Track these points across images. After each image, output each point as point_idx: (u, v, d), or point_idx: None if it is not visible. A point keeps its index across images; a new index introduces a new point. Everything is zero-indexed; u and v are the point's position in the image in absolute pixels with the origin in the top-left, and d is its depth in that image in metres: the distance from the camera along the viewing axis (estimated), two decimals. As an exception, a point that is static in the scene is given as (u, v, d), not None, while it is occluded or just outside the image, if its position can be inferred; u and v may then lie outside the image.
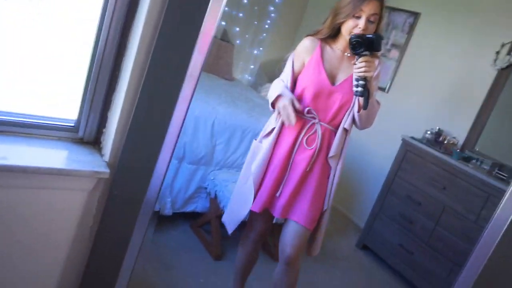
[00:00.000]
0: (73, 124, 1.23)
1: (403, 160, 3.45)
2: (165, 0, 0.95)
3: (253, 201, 1.94)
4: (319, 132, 1.90)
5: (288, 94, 1.86)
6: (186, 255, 2.67)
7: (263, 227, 2.08)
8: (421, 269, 3.20)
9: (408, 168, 3.41)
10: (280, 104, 1.85)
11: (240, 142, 2.91)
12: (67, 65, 1.14)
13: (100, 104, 1.15)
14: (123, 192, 1.09)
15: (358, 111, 1.87)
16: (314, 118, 1.90)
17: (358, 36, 1.75)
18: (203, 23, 0.90)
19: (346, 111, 1.91)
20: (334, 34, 1.94)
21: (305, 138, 1.91)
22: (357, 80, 1.78)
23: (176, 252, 2.65)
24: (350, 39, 1.76)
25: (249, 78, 5.14)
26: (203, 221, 2.90)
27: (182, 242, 2.77)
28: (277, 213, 1.93)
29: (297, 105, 1.83)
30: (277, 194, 1.93)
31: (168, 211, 2.73)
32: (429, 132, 3.48)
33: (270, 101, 1.91)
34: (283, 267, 1.95)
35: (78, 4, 1.09)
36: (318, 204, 1.95)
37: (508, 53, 3.19)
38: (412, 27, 3.99)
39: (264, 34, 5.04)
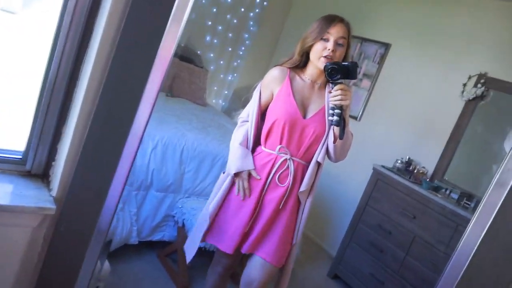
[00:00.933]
0: (20, 156, 1.15)
1: (374, 189, 3.46)
2: (119, 27, 0.91)
3: (222, 240, 1.88)
4: (292, 168, 1.84)
5: (248, 164, 1.84)
6: (152, 286, 2.57)
7: (231, 261, 2.02)
8: (392, 299, 3.16)
9: (379, 197, 3.42)
10: (238, 178, 1.86)
11: (210, 169, 2.86)
12: (16, 93, 1.08)
13: (50, 136, 1.07)
14: (70, 229, 1.02)
15: (334, 142, 1.81)
16: (286, 154, 1.85)
17: (334, 63, 1.72)
18: (160, 48, 0.86)
19: (319, 144, 1.85)
20: (303, 63, 1.90)
21: (277, 175, 1.85)
22: (332, 109, 1.74)
23: (140, 282, 2.55)
24: (325, 66, 1.72)
25: (223, 103, 5.12)
26: (170, 250, 2.81)
27: (147, 272, 2.67)
28: (245, 249, 1.87)
29: (257, 177, 1.84)
30: (246, 230, 1.86)
31: (134, 239, 2.64)
32: (399, 161, 3.51)
33: (230, 170, 1.87)
34: None
35: (29, 30, 1.04)
36: (287, 239, 1.89)
37: (475, 86, 3.27)
38: (383, 58, 4.07)
39: (239, 61, 5.06)
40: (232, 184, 1.91)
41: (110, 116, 0.90)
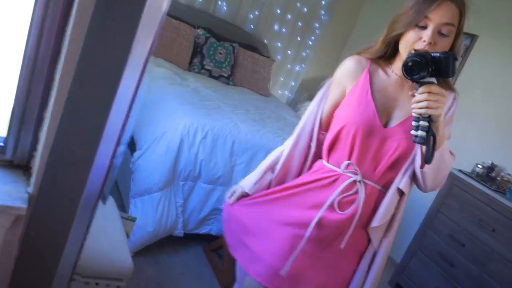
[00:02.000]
0: (1, 144, 1.00)
1: (448, 195, 3.09)
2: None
3: (253, 260, 1.41)
4: (362, 194, 1.33)
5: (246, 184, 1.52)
6: (193, 281, 2.45)
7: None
8: (461, 321, 2.81)
9: (453, 204, 3.05)
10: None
11: (262, 163, 2.69)
12: None
13: (33, 120, 0.92)
14: (42, 233, 0.88)
15: (421, 167, 1.30)
16: (356, 174, 1.35)
17: (417, 54, 1.20)
18: (146, 6, 0.68)
19: (404, 165, 1.34)
20: (390, 53, 1.39)
21: (337, 199, 1.34)
22: (417, 120, 1.20)
23: (182, 278, 2.45)
24: (406, 59, 1.21)
25: (289, 95, 4.93)
26: (216, 245, 2.69)
27: (191, 267, 2.56)
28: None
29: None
30: (283, 273, 1.34)
31: (179, 231, 2.54)
32: (480, 166, 3.10)
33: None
34: None
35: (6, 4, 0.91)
36: (339, 284, 1.39)
37: None
38: (468, 50, 3.63)
39: (307, 51, 4.82)
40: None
41: (87, 95, 0.74)
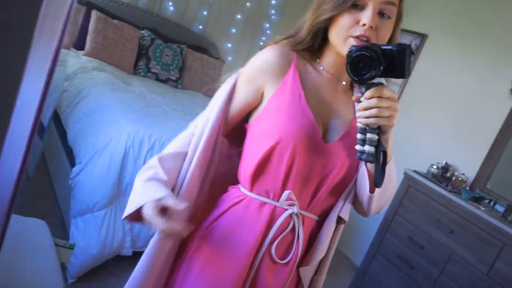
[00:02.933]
0: None
1: (405, 197, 3.06)
2: None
3: None
4: (300, 231, 1.04)
5: (149, 194, 0.95)
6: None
7: None
8: (423, 324, 2.78)
9: (410, 205, 3.02)
10: (145, 212, 0.92)
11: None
12: None
13: None
14: None
15: (371, 191, 1.02)
16: (292, 205, 1.03)
17: (365, 47, 0.90)
18: None
19: (346, 189, 1.06)
20: (317, 45, 1.08)
21: (274, 244, 1.02)
22: (363, 132, 0.93)
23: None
24: (349, 53, 0.90)
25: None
26: (169, 264, 2.50)
27: None
28: None
29: (179, 206, 0.89)
30: None
31: (127, 250, 2.33)
32: (434, 167, 3.09)
33: (129, 211, 0.98)
34: None
35: None
36: None
37: (527, 81, 2.82)
38: (418, 50, 3.63)
39: (258, 51, 4.70)
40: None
41: None
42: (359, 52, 0.89)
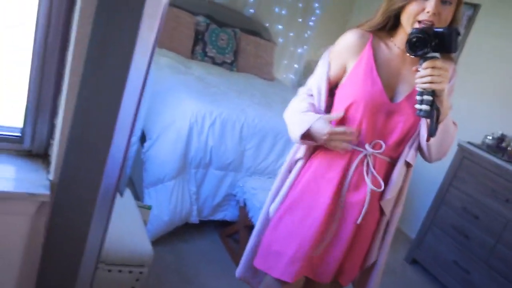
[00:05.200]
0: (18, 134, 1.00)
1: (459, 168, 3.08)
2: None
3: (276, 263, 1.40)
4: (372, 167, 1.36)
5: (314, 117, 1.36)
6: (210, 267, 2.48)
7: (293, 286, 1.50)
8: (478, 291, 2.83)
9: (464, 177, 3.04)
10: (318, 125, 1.34)
11: (272, 147, 2.69)
12: (6, 59, 0.96)
13: (48, 109, 0.92)
14: (66, 218, 0.89)
15: (427, 140, 1.32)
16: (366, 149, 1.37)
17: (421, 30, 1.18)
18: None
19: (411, 138, 1.37)
20: (392, 26, 1.37)
21: (354, 178, 1.38)
22: (421, 94, 1.22)
23: (200, 263, 2.48)
24: (409, 35, 1.20)
25: (293, 77, 4.90)
26: (232, 231, 2.71)
27: (207, 253, 2.59)
28: (322, 279, 1.44)
29: (349, 129, 1.32)
30: (317, 253, 1.40)
31: (194, 218, 2.56)
32: (489, 137, 3.08)
33: (297, 135, 1.38)
34: None
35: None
36: (359, 256, 1.47)
37: None
38: (471, 21, 3.59)
39: (309, 32, 4.78)
40: (297, 178, 1.46)
41: (99, 78, 0.74)
42: (416, 34, 1.18)
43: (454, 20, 1.29)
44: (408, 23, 1.26)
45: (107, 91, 0.75)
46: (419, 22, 1.23)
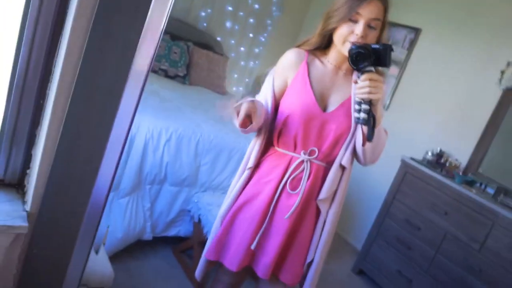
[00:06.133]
0: None
1: (402, 182, 3.26)
2: (93, 11, 0.75)
3: (225, 254, 1.59)
4: (307, 172, 1.52)
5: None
6: (165, 284, 2.46)
7: (234, 280, 1.74)
8: (420, 299, 2.99)
9: (407, 191, 3.22)
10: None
11: (227, 163, 2.72)
12: None
13: (24, 139, 0.89)
14: (45, 249, 0.88)
15: (363, 144, 1.48)
16: (304, 155, 1.53)
17: (361, 46, 1.35)
18: (147, 21, 0.68)
19: (343, 144, 1.52)
20: (325, 45, 1.56)
21: (288, 180, 1.53)
22: (359, 103, 1.38)
23: (154, 282, 2.45)
24: (350, 51, 1.36)
25: (244, 91, 4.97)
26: (185, 246, 2.70)
27: (161, 270, 2.57)
28: (262, 273, 1.57)
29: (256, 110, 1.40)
30: (252, 247, 1.55)
31: (148, 235, 2.53)
32: (430, 153, 3.29)
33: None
34: None
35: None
36: (302, 256, 1.60)
37: (514, 72, 3.01)
38: (412, 43, 3.82)
39: (261, 47, 4.88)
40: (245, 184, 1.62)
41: (87, 110, 0.75)
42: (357, 50, 1.35)
43: (380, 40, 1.47)
44: (340, 43, 1.45)
45: (94, 124, 0.75)
46: (352, 43, 1.41)
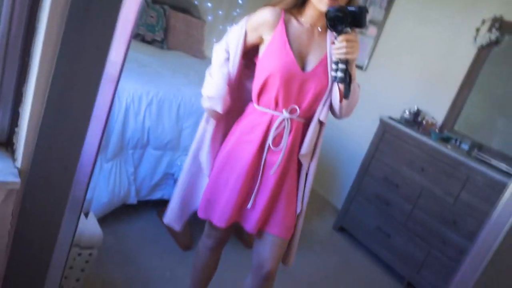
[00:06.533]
0: None
1: (381, 141, 3.34)
2: None
3: (213, 211, 1.67)
4: (288, 129, 1.58)
5: (217, 103, 1.61)
6: (152, 246, 2.52)
7: (224, 234, 1.81)
8: (398, 251, 3.13)
9: (385, 149, 3.31)
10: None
11: (209, 125, 2.74)
12: None
13: (10, 97, 0.90)
14: (39, 204, 0.90)
15: (340, 101, 1.55)
16: (284, 113, 1.58)
17: (338, 9, 1.40)
18: None
19: (321, 100, 1.58)
20: (300, 3, 1.58)
21: (271, 138, 1.59)
22: (336, 63, 1.46)
23: (140, 243, 2.50)
24: (327, 13, 1.41)
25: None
26: (171, 209, 2.74)
27: (147, 233, 2.62)
28: (250, 228, 1.65)
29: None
30: (248, 206, 1.64)
31: (132, 199, 2.56)
32: (407, 112, 3.37)
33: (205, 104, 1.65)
34: (261, 283, 1.71)
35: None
36: (292, 208, 1.68)
37: (489, 30, 3.07)
38: (390, 3, 3.83)
39: (238, 10, 4.82)
40: (221, 135, 1.71)
41: (74, 66, 0.75)
42: (334, 13, 1.40)
43: (352, 2, 1.52)
44: (316, 1, 1.47)
45: (81, 81, 0.76)
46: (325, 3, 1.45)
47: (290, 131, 1.58)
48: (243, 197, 1.63)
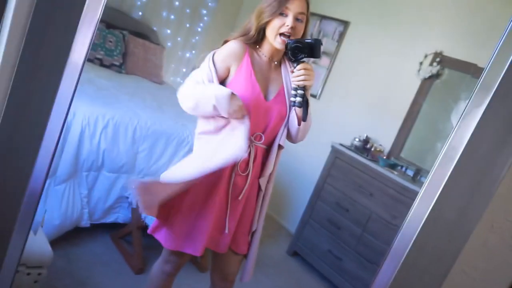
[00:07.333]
0: None
1: (332, 167, 3.47)
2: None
3: (185, 242, 1.69)
4: (252, 154, 1.68)
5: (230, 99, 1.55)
6: (104, 269, 2.49)
7: (185, 260, 1.83)
8: (349, 274, 3.22)
9: (337, 175, 3.44)
10: (233, 105, 1.55)
11: (164, 149, 2.77)
12: None
13: None
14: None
15: (298, 124, 1.69)
16: (250, 140, 1.66)
17: (297, 41, 1.58)
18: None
19: (281, 127, 1.71)
20: (260, 38, 1.71)
21: (241, 165, 1.68)
22: (295, 89, 1.61)
23: (93, 266, 2.47)
24: (288, 44, 1.58)
25: (181, 81, 4.99)
26: (124, 232, 2.73)
27: (100, 256, 2.59)
28: (222, 249, 1.74)
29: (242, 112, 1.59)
30: (226, 231, 1.72)
31: (85, 222, 2.54)
32: (357, 139, 3.53)
33: (215, 100, 1.53)
34: None
35: None
36: (249, 227, 1.80)
37: (431, 64, 3.30)
38: (342, 36, 4.04)
39: (197, 37, 4.92)
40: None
41: (26, 101, 0.79)
42: (295, 44, 1.57)
43: (305, 33, 1.69)
44: (272, 35, 1.63)
45: (35, 104, 0.80)
46: (280, 34, 1.61)
47: (255, 157, 1.69)
48: (216, 224, 1.70)
